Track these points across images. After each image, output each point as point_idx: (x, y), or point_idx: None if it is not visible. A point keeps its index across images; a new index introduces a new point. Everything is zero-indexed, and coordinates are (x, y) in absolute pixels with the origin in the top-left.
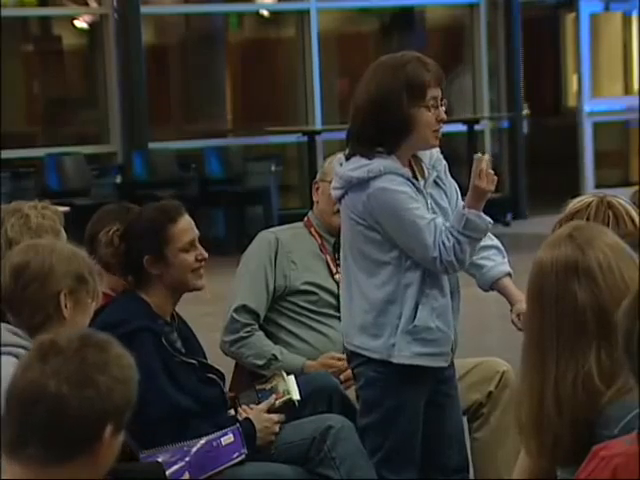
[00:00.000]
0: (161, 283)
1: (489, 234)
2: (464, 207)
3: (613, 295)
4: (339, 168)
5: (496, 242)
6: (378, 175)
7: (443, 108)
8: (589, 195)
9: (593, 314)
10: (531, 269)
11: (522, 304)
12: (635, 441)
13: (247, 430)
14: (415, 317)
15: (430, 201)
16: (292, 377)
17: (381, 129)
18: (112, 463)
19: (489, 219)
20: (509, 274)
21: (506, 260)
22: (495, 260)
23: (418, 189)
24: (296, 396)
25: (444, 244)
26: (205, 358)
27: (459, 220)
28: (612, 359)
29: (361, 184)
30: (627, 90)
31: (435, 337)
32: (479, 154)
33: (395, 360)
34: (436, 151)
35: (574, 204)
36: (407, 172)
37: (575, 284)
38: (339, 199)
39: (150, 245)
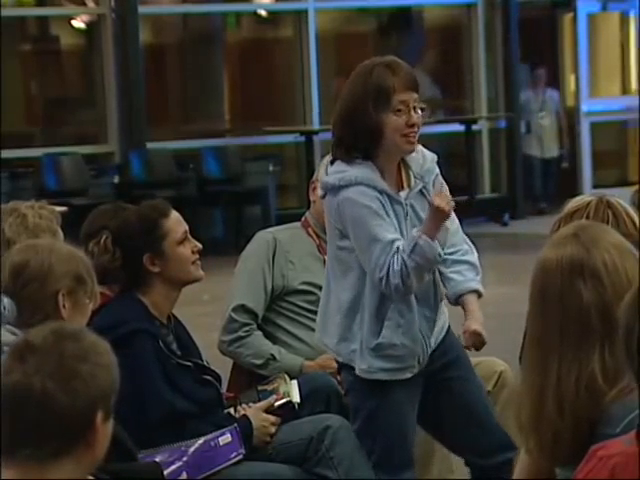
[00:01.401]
0: (161, 281)
1: (470, 247)
2: (419, 231)
3: (618, 295)
4: (323, 171)
5: (472, 258)
6: (349, 184)
7: (418, 113)
8: (588, 195)
9: (598, 314)
10: (534, 268)
11: (473, 323)
12: (634, 441)
13: (244, 427)
14: (380, 333)
15: (409, 211)
16: (295, 382)
17: (355, 136)
18: (105, 450)
19: (439, 249)
20: (476, 291)
21: (479, 277)
22: (466, 276)
23: (394, 200)
24: (296, 399)
25: (393, 266)
26: (201, 359)
27: (409, 243)
28: (616, 360)
29: (334, 190)
30: (625, 90)
31: (400, 353)
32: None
33: (357, 372)
34: (430, 160)
35: (573, 203)
36: (381, 183)
37: (580, 284)
38: (322, 200)
39: (148, 242)
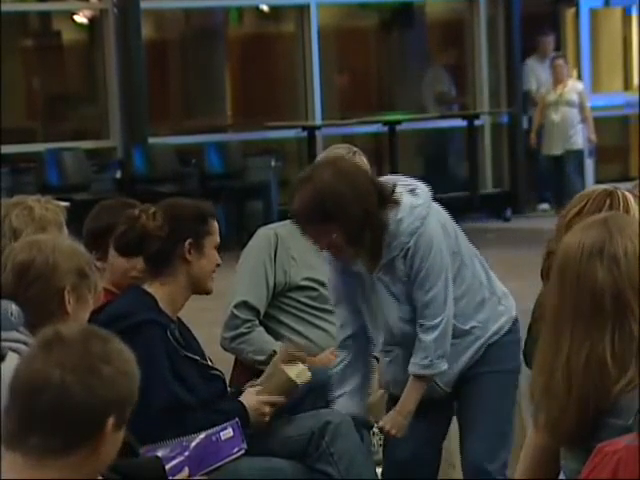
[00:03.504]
0: (184, 273)
1: (434, 324)
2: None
3: (632, 283)
4: None
5: (428, 336)
6: None
7: None
8: (601, 186)
9: (611, 297)
10: (559, 249)
11: (392, 414)
12: (636, 440)
13: (238, 410)
14: None
15: (378, 283)
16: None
17: None
18: (111, 460)
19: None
20: (413, 374)
21: (426, 360)
22: (414, 357)
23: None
24: (299, 380)
25: None
26: (205, 360)
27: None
28: (625, 346)
29: None
30: (627, 85)
31: None
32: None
33: None
34: (406, 234)
35: (581, 194)
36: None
37: (597, 264)
38: None
39: (196, 231)
